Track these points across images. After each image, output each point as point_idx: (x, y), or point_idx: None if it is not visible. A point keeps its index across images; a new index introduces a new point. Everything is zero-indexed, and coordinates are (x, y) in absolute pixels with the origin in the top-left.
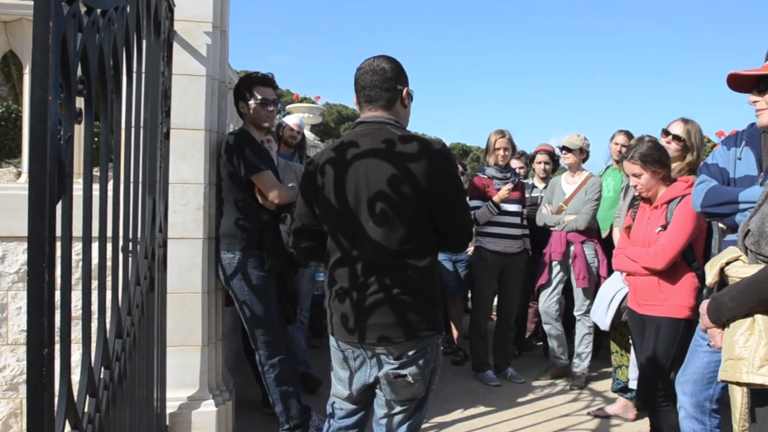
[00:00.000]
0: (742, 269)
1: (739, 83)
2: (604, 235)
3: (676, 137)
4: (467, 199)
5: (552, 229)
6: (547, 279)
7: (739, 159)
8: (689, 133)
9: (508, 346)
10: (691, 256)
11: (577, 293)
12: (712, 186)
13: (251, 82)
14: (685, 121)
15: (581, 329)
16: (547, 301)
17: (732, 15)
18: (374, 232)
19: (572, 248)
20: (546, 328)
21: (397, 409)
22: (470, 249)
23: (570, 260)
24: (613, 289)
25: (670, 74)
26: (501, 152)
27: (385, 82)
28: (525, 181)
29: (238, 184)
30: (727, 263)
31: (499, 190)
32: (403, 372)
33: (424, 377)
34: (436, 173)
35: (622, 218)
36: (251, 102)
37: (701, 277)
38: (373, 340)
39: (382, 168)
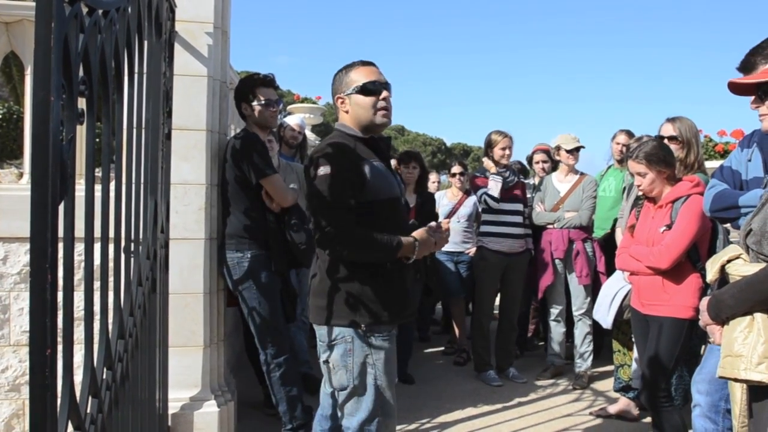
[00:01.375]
0: (743, 267)
1: (740, 88)
2: (602, 234)
3: (671, 138)
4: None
5: (550, 226)
6: (552, 279)
7: (749, 161)
8: (681, 130)
9: (510, 346)
10: (696, 256)
11: (577, 292)
12: (719, 190)
13: (253, 84)
14: (672, 119)
15: (582, 328)
16: (563, 301)
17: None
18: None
19: (574, 245)
20: (552, 325)
21: (338, 398)
22: (472, 249)
23: (572, 258)
24: (614, 288)
25: (670, 74)
26: (506, 152)
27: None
28: (526, 181)
29: (244, 187)
30: (728, 261)
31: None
32: (324, 356)
33: (347, 368)
34: (305, 177)
35: (625, 218)
36: (255, 103)
37: (705, 278)
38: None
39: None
